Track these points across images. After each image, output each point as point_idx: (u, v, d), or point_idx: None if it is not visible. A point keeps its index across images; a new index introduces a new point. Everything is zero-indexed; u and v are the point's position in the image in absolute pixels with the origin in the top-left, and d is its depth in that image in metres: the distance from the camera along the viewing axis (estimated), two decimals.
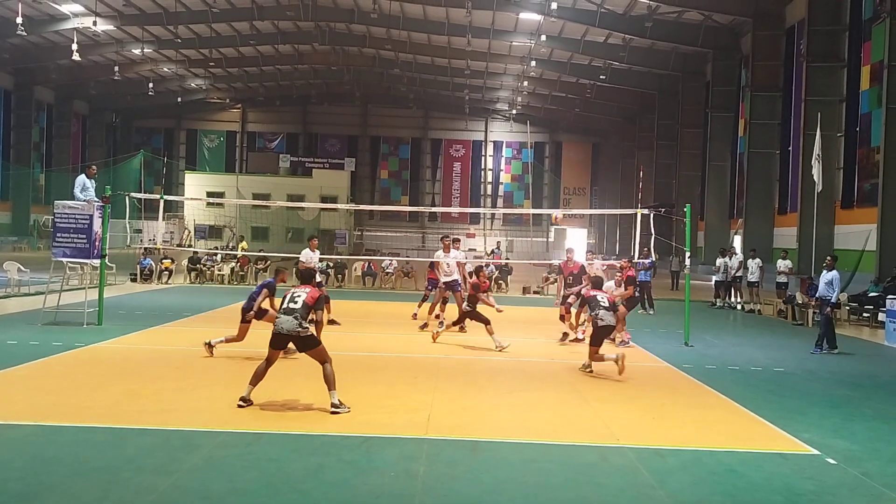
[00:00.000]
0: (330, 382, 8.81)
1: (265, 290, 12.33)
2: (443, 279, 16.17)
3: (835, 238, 29.05)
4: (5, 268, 21.29)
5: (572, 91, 55.01)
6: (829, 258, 16.11)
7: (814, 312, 20.02)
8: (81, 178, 15.71)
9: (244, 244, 33.41)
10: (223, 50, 52.89)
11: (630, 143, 58.32)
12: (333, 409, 8.64)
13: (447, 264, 16.21)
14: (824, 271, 15.55)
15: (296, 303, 8.97)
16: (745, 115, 37.66)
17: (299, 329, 8.84)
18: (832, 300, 15.17)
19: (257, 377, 9.01)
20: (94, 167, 16.46)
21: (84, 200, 15.37)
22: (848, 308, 21.17)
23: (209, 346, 12.32)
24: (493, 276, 29.25)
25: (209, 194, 54.04)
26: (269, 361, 9.11)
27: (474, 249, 56.92)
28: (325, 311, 14.24)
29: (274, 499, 6.08)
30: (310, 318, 9.04)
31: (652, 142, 50.74)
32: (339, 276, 28.62)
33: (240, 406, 8.77)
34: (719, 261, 24.50)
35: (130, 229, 30.84)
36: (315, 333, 9.18)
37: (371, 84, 62.45)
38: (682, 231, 18.07)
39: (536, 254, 51.10)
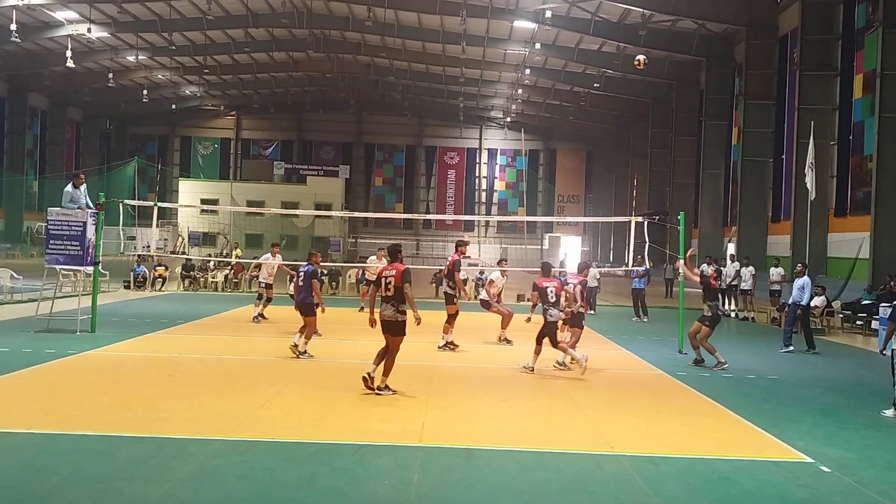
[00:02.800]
0: (388, 369, 10.14)
1: (314, 282, 13.30)
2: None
3: (828, 246, 29.13)
4: None
5: (567, 99, 55.12)
6: (799, 265, 17.19)
7: (773, 318, 21.83)
8: (67, 189, 15.51)
9: (238, 251, 33.33)
10: (218, 57, 52.88)
11: (624, 151, 58.39)
12: (379, 391, 10.08)
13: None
14: (796, 278, 16.60)
15: (389, 290, 10.10)
16: (738, 124, 37.79)
17: (397, 314, 10.10)
18: (803, 303, 16.26)
19: (379, 357, 10.24)
20: (81, 175, 16.23)
21: (77, 209, 15.31)
22: (841, 316, 21.23)
23: (296, 348, 13.08)
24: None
25: (203, 201, 53.90)
26: (384, 345, 10.34)
27: (469, 256, 56.85)
28: None
29: None
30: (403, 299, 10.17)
31: (646, 150, 50.84)
32: (333, 283, 28.60)
33: (365, 380, 10.09)
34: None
35: (124, 236, 30.76)
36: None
37: (366, 91, 62.49)
38: (676, 239, 18.14)
39: (531, 261, 51.06)
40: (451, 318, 14.94)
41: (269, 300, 18.77)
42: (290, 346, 13.19)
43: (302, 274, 13.48)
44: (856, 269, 25.68)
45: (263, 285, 18.81)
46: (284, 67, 56.63)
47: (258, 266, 19.56)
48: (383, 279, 10.18)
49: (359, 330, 16.47)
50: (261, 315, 18.42)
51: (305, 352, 13.08)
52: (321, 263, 17.37)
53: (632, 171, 55.02)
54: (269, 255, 19.04)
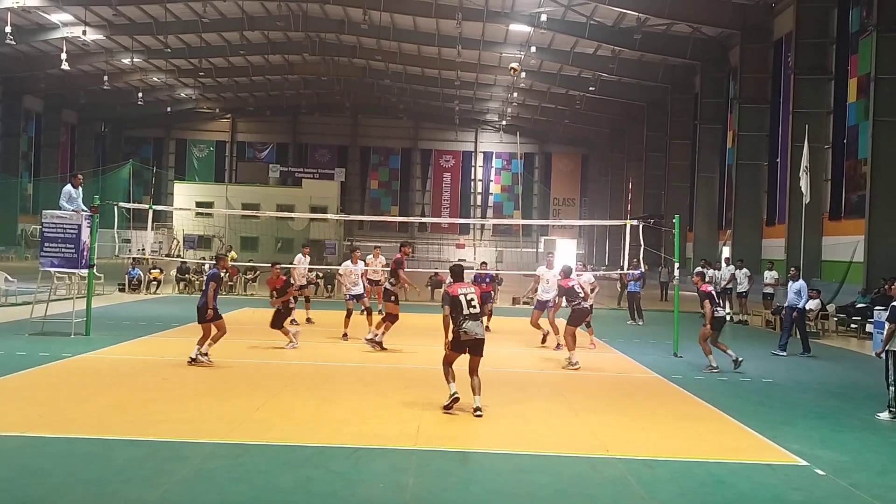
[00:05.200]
0: (476, 389, 9.38)
1: (213, 283, 12.45)
2: (353, 290, 16.41)
3: (822, 249, 29.18)
4: None
5: (562, 102, 55.21)
6: (793, 269, 17.34)
7: (768, 320, 21.94)
8: (67, 188, 15.57)
9: (233, 254, 33.19)
10: (213, 60, 52.83)
11: (619, 155, 58.51)
12: (477, 412, 9.21)
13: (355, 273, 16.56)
14: (790, 281, 16.68)
15: (475, 307, 9.42)
16: (733, 127, 37.85)
17: (484, 334, 9.54)
18: (800, 306, 16.22)
19: (451, 375, 9.44)
20: (79, 176, 16.27)
21: (72, 210, 15.31)
22: (836, 319, 21.27)
23: (204, 354, 12.33)
24: None
25: (198, 204, 53.82)
26: (451, 362, 9.52)
27: (464, 260, 56.88)
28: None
29: None
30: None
31: (641, 153, 50.90)
32: (329, 286, 28.57)
33: (452, 404, 9.30)
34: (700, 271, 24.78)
35: (119, 239, 30.70)
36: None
37: (361, 94, 62.49)
38: (671, 242, 18.16)
39: (526, 264, 51.12)
40: (390, 318, 14.72)
41: (307, 299, 19.44)
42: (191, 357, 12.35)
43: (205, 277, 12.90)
44: (850, 273, 25.73)
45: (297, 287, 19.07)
46: (280, 70, 56.63)
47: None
48: (465, 297, 9.39)
49: (355, 333, 16.47)
50: (308, 319, 18.76)
51: (206, 354, 12.30)
52: (318, 267, 17.42)
53: (627, 175, 55.10)
54: (300, 255, 19.69)
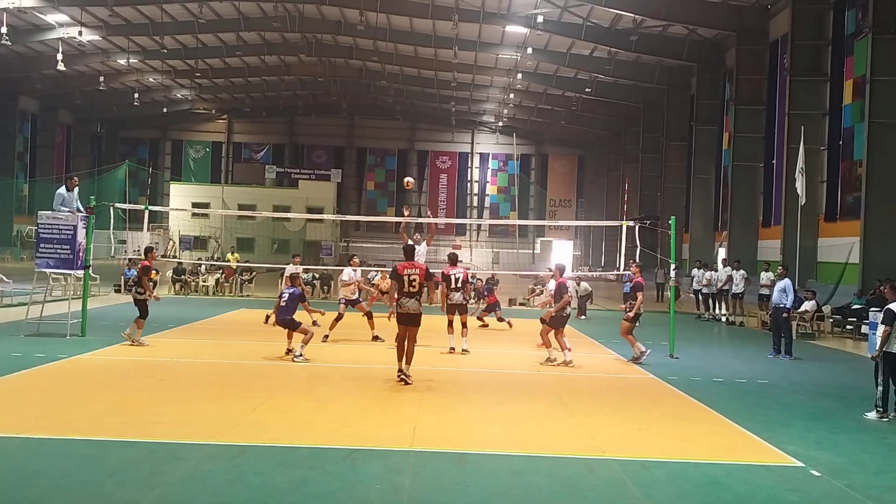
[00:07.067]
0: (410, 357, 11.33)
1: (305, 305, 13.73)
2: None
3: (818, 251, 29.21)
4: None
5: (558, 104, 55.21)
6: (780, 267, 17.22)
7: (763, 321, 21.37)
8: (61, 191, 15.55)
9: (237, 256, 32.89)
10: (209, 60, 52.73)
11: (616, 156, 58.52)
12: (402, 377, 11.19)
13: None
14: (777, 280, 16.51)
15: (414, 286, 11.31)
16: (729, 129, 37.90)
17: (420, 309, 11.38)
18: (787, 305, 15.88)
19: (402, 351, 11.30)
20: (75, 178, 16.27)
21: (68, 212, 15.28)
22: (831, 320, 21.30)
23: (299, 356, 13.13)
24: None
25: (194, 205, 53.80)
26: (403, 337, 11.36)
27: (461, 261, 56.92)
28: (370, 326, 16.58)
29: None
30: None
31: (637, 154, 50.94)
32: (325, 287, 28.57)
33: (401, 380, 11.11)
34: (696, 272, 24.88)
35: (115, 240, 30.57)
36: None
37: (358, 95, 62.45)
38: (667, 243, 18.19)
39: (522, 265, 51.15)
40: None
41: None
42: (288, 355, 13.43)
43: (286, 295, 13.55)
44: (846, 274, 25.76)
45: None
46: (276, 71, 56.54)
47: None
48: (408, 277, 11.28)
49: (352, 333, 16.48)
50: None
51: (301, 355, 13.18)
52: (314, 267, 17.43)
53: (623, 176, 55.11)
54: (291, 265, 19.62)
